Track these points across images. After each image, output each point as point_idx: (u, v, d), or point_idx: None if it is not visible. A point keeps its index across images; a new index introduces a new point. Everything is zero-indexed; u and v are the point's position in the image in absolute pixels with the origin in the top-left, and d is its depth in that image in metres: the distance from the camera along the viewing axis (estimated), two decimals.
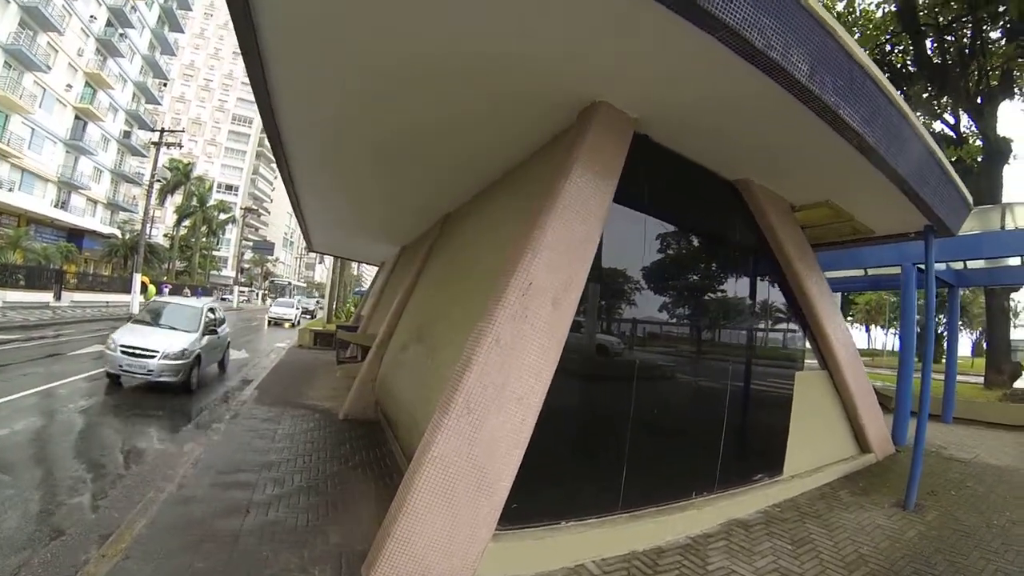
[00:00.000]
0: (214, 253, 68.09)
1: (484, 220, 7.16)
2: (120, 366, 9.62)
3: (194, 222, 59.82)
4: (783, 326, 7.31)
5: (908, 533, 5.65)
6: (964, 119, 18.80)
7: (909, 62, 18.86)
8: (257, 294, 69.47)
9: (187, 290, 47.20)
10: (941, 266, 11.91)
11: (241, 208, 67.72)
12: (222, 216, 63.73)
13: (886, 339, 55.24)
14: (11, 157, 33.70)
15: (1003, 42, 17.17)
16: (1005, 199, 15.73)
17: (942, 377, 12.92)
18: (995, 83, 16.92)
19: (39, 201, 37.63)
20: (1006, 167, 16.67)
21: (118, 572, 3.72)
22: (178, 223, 59.04)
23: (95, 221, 45.62)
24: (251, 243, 67.27)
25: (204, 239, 62.17)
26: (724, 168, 6.11)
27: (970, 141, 18.13)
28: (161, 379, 9.69)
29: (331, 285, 31.47)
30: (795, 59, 3.74)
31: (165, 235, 60.54)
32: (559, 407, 4.33)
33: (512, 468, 3.99)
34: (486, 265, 5.88)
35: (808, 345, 7.56)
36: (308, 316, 41.94)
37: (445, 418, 3.80)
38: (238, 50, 4.94)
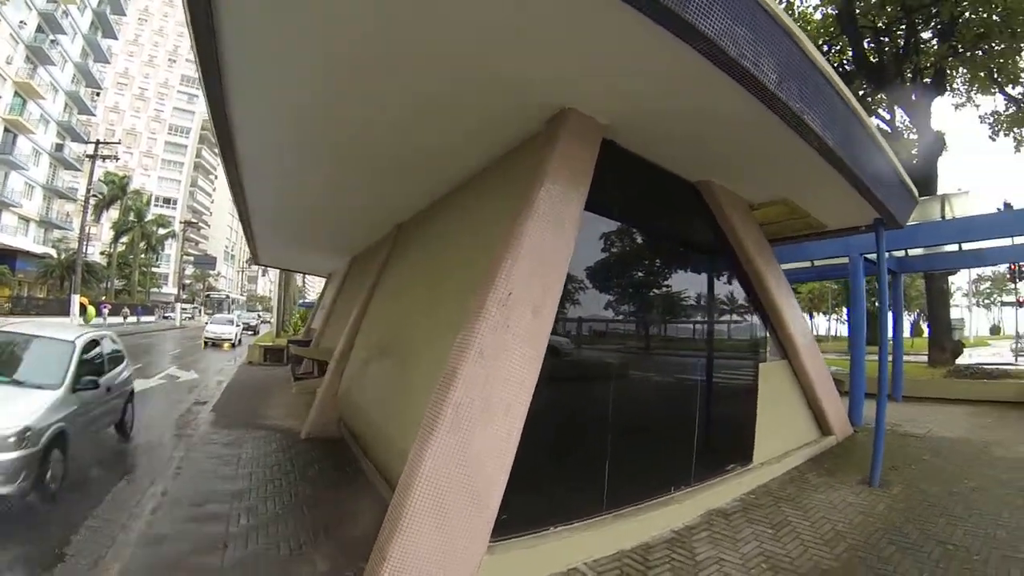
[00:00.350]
0: (154, 270, 65.52)
1: (447, 229, 7.09)
2: None
3: (132, 238, 57.29)
4: (745, 320, 7.58)
5: (878, 507, 5.95)
6: (899, 114, 19.88)
7: (846, 62, 19.81)
8: (200, 310, 66.41)
9: (126, 309, 45.34)
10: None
11: (181, 222, 65.43)
12: (161, 231, 61.19)
13: (829, 325, 57.82)
14: None
15: (934, 42, 18.29)
16: (940, 190, 16.71)
17: (890, 359, 13.61)
18: (928, 80, 17.98)
19: None
20: (940, 159, 17.74)
21: None
22: (115, 239, 56.49)
23: (28, 240, 43.45)
24: (192, 258, 65.13)
25: (143, 255, 59.64)
26: (686, 170, 6.29)
27: (905, 136, 19.20)
28: None
29: (278, 299, 30.80)
30: (765, 68, 3.92)
31: (102, 253, 57.86)
32: (537, 413, 4.33)
33: (502, 480, 3.99)
34: (456, 275, 5.86)
35: (768, 336, 7.84)
36: (250, 333, 39.55)
37: (433, 434, 3.76)
38: (173, 57, 4.75)
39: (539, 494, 4.56)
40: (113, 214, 56.61)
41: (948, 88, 19.33)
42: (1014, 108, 19.97)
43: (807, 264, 14.09)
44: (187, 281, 65.00)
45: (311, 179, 7.97)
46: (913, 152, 17.89)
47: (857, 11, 17.96)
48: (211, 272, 71.37)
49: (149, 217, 59.22)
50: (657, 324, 6.30)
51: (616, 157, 5.14)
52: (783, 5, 20.25)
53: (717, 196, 6.63)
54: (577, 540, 4.53)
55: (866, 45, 18.79)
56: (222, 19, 3.70)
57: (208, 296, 60.51)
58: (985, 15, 16.44)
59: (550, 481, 4.76)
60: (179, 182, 75.55)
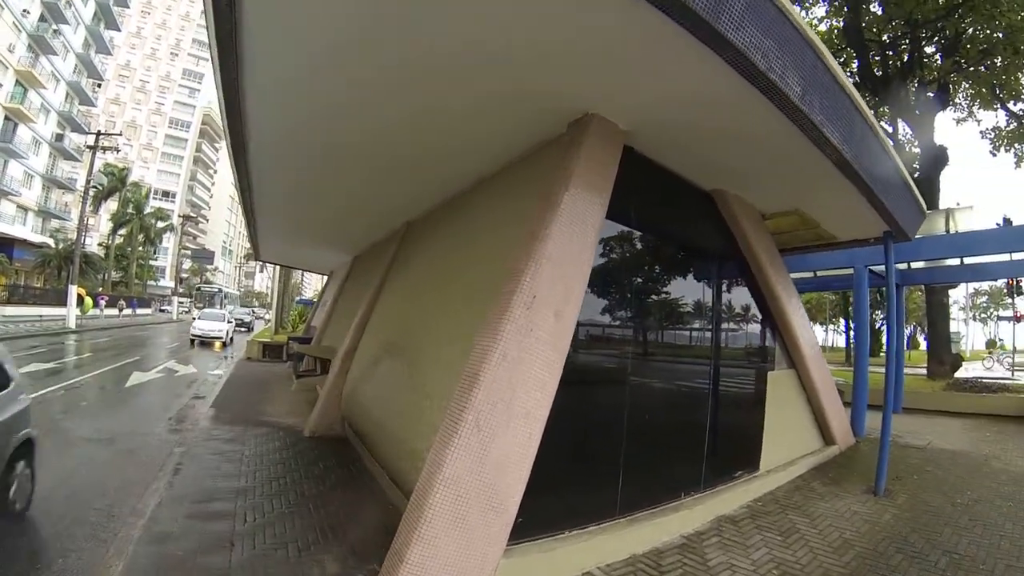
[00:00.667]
0: (152, 263, 65.39)
1: (461, 228, 7.03)
2: None
3: (131, 230, 57.30)
4: (755, 328, 7.64)
5: (884, 517, 6.01)
6: (901, 127, 20.01)
7: (850, 74, 19.94)
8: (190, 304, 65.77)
9: (122, 301, 45.22)
10: (882, 266, 12.63)
11: (179, 216, 65.29)
12: (160, 224, 61.19)
13: (826, 335, 57.99)
14: None
15: (937, 57, 18.45)
16: (942, 203, 16.85)
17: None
18: (931, 94, 18.12)
19: None
20: (942, 173, 17.89)
21: None
22: (114, 231, 56.43)
23: (26, 229, 43.34)
24: (190, 252, 64.96)
25: (141, 248, 59.62)
26: (702, 179, 6.34)
27: (907, 149, 19.33)
28: None
29: (278, 295, 30.72)
30: (790, 81, 3.96)
31: (100, 244, 57.74)
32: (553, 417, 4.32)
33: (521, 483, 3.99)
34: (472, 275, 5.83)
35: (776, 345, 7.89)
36: (244, 330, 38.46)
37: (454, 437, 3.73)
38: (175, 51, 4.62)
39: (554, 497, 4.56)
40: (112, 206, 56.58)
41: (951, 103, 19.47)
42: (1015, 124, 20.13)
43: (810, 274, 14.14)
44: (184, 275, 64.75)
45: (321, 175, 7.89)
46: (915, 165, 18.01)
47: (863, 24, 18.09)
48: (209, 267, 71.05)
49: (148, 210, 59.17)
50: (669, 331, 6.32)
51: (635, 163, 5.14)
52: None
53: (731, 205, 6.68)
54: (591, 544, 4.55)
55: (871, 58, 18.92)
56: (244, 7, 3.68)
57: (199, 289, 55.84)
58: (988, 31, 16.60)
59: (565, 485, 4.76)
60: (178, 176, 75.51)
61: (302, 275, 46.88)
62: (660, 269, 6.13)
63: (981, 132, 21.40)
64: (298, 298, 42.49)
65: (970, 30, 17.08)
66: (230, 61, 4.28)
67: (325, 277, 29.45)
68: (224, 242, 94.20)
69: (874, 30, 18.57)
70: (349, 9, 3.63)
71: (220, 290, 53.50)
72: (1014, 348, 26.21)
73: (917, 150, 18.86)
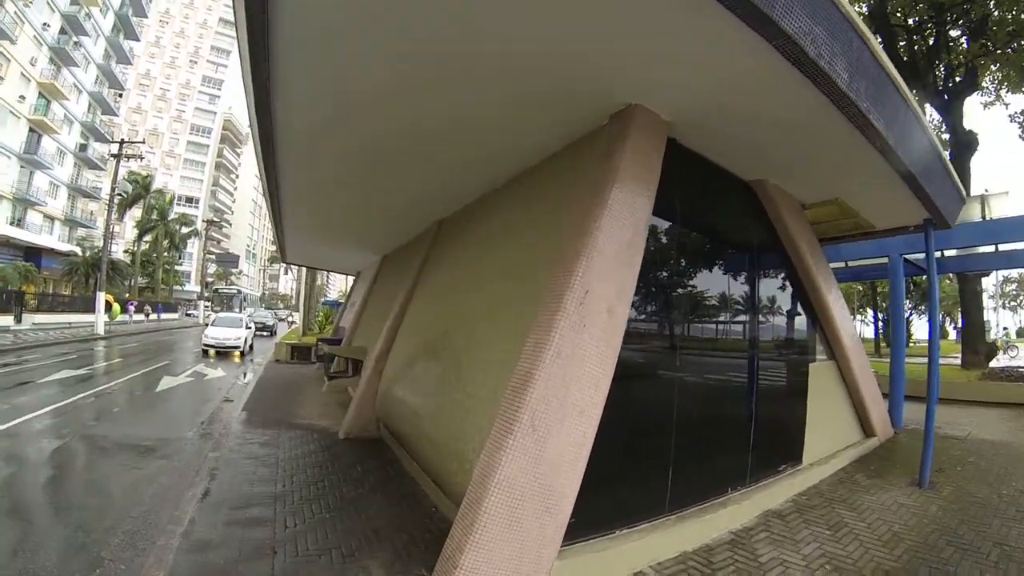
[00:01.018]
0: (177, 268, 66.36)
1: (498, 228, 6.91)
2: None
3: (156, 236, 58.21)
4: (796, 320, 7.53)
5: (930, 509, 5.94)
6: (929, 112, 19.62)
7: None
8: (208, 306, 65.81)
9: (147, 307, 45.89)
10: (919, 255, 12.41)
11: (203, 221, 66.21)
12: (184, 229, 62.13)
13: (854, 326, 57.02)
14: None
15: (963, 41, 18.05)
16: (973, 189, 16.48)
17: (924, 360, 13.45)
18: (959, 79, 17.75)
19: None
20: (972, 158, 17.52)
21: None
22: (139, 238, 57.39)
23: (53, 238, 44.09)
24: (214, 256, 65.78)
25: (166, 254, 60.51)
26: (743, 169, 6.24)
27: (936, 135, 18.94)
28: None
29: (304, 297, 31.02)
30: (838, 67, 3.89)
31: (126, 251, 58.81)
32: (605, 412, 4.27)
33: (575, 483, 3.94)
34: (513, 274, 5.74)
35: (817, 336, 7.80)
36: (266, 334, 37.16)
37: (508, 438, 3.69)
38: (194, 58, 4.50)
39: (605, 496, 4.51)
40: (136, 213, 57.48)
41: (979, 87, 19.05)
42: None
43: (841, 265, 13.92)
44: (210, 279, 65.59)
45: (352, 175, 7.84)
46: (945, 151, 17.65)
47: (888, 8, 17.76)
48: (233, 270, 71.85)
49: (172, 216, 60.08)
50: (710, 324, 6.26)
51: (676, 155, 5.06)
52: None
53: (772, 196, 6.59)
54: (642, 543, 4.51)
55: (897, 43, 18.57)
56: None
57: (216, 291, 52.59)
58: (1016, 12, 16.20)
59: (615, 482, 4.72)
60: (201, 181, 76.58)
61: (327, 276, 46.90)
62: (702, 262, 6.05)
63: (1010, 116, 20.89)
64: (323, 299, 42.68)
65: (996, 12, 16.69)
66: (261, 59, 4.24)
67: (349, 278, 29.58)
68: (248, 246, 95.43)
69: (899, 14, 18.23)
70: (388, 4, 3.59)
71: (239, 292, 51.08)
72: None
73: (946, 135, 18.48)
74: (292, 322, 46.23)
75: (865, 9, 18.42)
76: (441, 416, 6.10)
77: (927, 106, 19.25)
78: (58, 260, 43.75)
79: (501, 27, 3.69)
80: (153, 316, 45.79)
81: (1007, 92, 19.99)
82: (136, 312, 42.21)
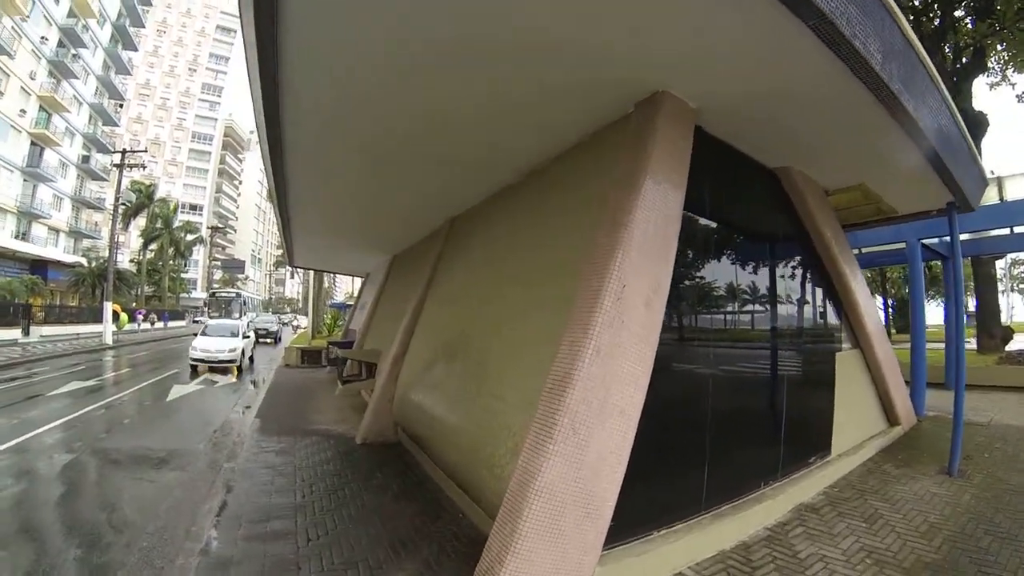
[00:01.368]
0: (183, 275, 66.54)
1: (518, 223, 6.67)
2: None
3: (161, 245, 58.38)
4: (822, 308, 7.42)
5: (964, 497, 5.86)
6: None
7: None
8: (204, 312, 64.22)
9: (153, 315, 45.75)
10: (935, 239, 12.31)
11: (208, 228, 66.37)
12: (189, 237, 62.29)
13: None
14: None
15: (967, 21, 17.87)
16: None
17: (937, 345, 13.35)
18: (966, 60, 17.56)
19: None
20: (982, 140, 17.32)
21: None
22: (144, 247, 57.47)
23: (58, 250, 44.25)
24: (220, 262, 65.91)
25: (172, 262, 60.70)
26: (767, 157, 6.13)
27: None
28: None
29: (312, 300, 31.01)
30: (872, 48, 3.79)
31: (131, 260, 58.89)
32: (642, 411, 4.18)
33: (616, 487, 3.83)
34: (538, 271, 5.59)
35: (842, 325, 7.69)
36: (269, 342, 33.77)
37: (547, 443, 3.55)
38: (193, 66, 4.22)
39: (641, 497, 4.38)
40: (141, 222, 57.59)
41: (986, 67, 18.86)
42: None
43: (855, 252, 13.78)
44: (216, 285, 65.53)
45: (362, 174, 7.68)
46: None
47: None
48: (239, 276, 71.77)
49: (176, 224, 60.20)
50: (739, 315, 6.12)
51: (703, 143, 4.90)
52: None
53: (797, 183, 6.47)
54: (680, 543, 4.40)
55: None
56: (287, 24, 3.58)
57: (213, 295, 45.76)
58: None
59: (651, 482, 4.58)
60: (204, 189, 76.90)
61: (333, 279, 46.43)
62: (730, 252, 5.90)
63: (1018, 96, 20.68)
64: (329, 302, 42.36)
65: None
66: (269, 52, 4.10)
67: (356, 280, 29.45)
68: (253, 251, 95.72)
69: None
70: None
71: (238, 295, 44.25)
72: None
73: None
74: (297, 326, 45.62)
75: None
76: (467, 420, 5.94)
77: None
78: (64, 272, 43.85)
79: (525, 8, 3.55)
80: (159, 324, 45.70)
81: (1013, 72, 19.81)
82: (143, 320, 42.24)
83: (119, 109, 55.11)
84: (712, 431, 5.04)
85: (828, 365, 7.04)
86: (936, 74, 4.99)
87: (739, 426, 5.62)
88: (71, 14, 41.68)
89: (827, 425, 6.72)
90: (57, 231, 44.57)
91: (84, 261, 45.68)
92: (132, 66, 56.39)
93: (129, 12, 51.54)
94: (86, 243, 49.40)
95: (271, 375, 17.77)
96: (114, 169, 34.32)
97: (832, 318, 7.55)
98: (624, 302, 3.87)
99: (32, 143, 39.23)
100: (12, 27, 34.58)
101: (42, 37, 38.60)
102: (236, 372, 17.70)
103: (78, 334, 32.59)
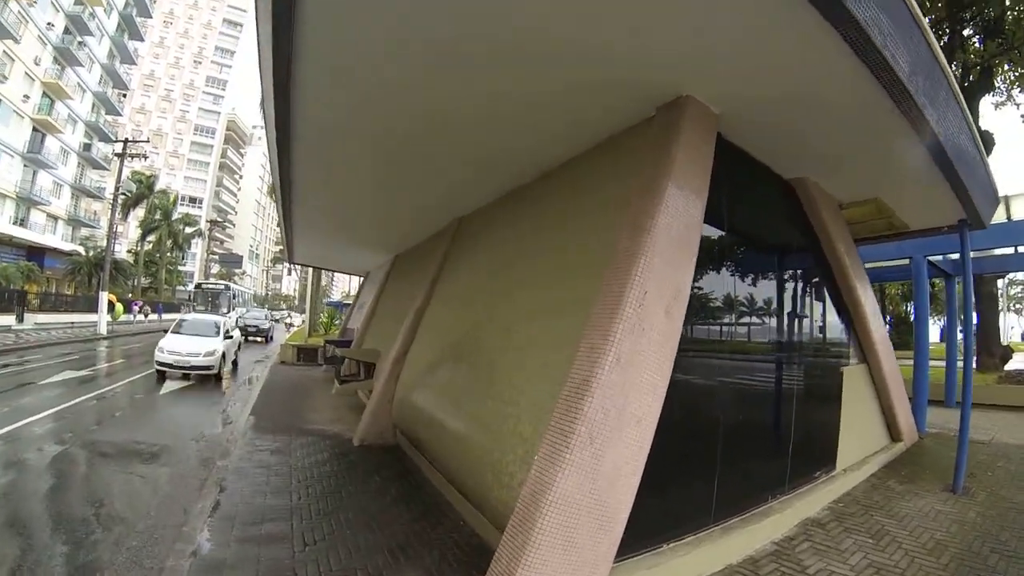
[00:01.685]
0: (180, 268, 66.36)
1: (531, 225, 6.53)
2: None
3: (159, 236, 58.17)
4: (832, 322, 7.38)
5: (969, 515, 5.82)
6: None
7: None
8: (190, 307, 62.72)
9: (147, 307, 45.35)
10: (938, 257, 12.32)
11: (207, 221, 66.23)
12: (188, 230, 62.07)
13: None
14: None
15: (975, 40, 17.95)
16: None
17: (940, 363, 13.34)
18: (973, 79, 17.62)
19: None
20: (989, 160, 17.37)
21: None
22: (143, 238, 57.35)
23: (56, 238, 44.08)
24: (217, 256, 65.77)
25: (170, 254, 60.46)
26: (784, 167, 6.08)
27: None
28: None
29: (310, 298, 30.84)
30: (900, 60, 3.75)
31: (129, 251, 58.81)
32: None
33: (631, 498, 3.73)
34: (553, 274, 5.48)
35: (849, 339, 7.66)
36: (260, 340, 31.26)
37: (565, 452, 3.44)
38: (198, 59, 4.14)
39: (653, 508, 4.28)
40: (140, 213, 57.46)
41: (993, 87, 18.95)
42: None
43: None
44: (213, 279, 65.40)
45: (369, 171, 7.58)
46: None
47: None
48: (236, 270, 71.58)
49: (175, 216, 59.99)
50: (755, 328, 6.05)
51: (722, 150, 4.80)
52: None
53: (812, 194, 6.42)
54: (690, 557, 4.32)
55: None
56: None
57: (198, 287, 42.29)
58: None
59: (662, 494, 4.50)
60: (204, 182, 76.85)
61: (331, 277, 45.88)
62: (743, 263, 5.84)
63: (1022, 116, 20.77)
64: (326, 300, 41.82)
65: (1011, 13, 16.58)
66: (284, 39, 3.96)
67: (352, 279, 29.28)
68: (251, 246, 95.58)
69: None
70: None
71: (227, 287, 41.21)
72: None
73: None
74: (290, 323, 44.79)
75: None
76: (473, 425, 5.82)
77: None
78: (61, 260, 43.70)
79: (546, 8, 3.48)
80: (154, 316, 45.40)
81: (1019, 92, 19.89)
82: (139, 312, 41.96)
83: (123, 99, 55.08)
84: (723, 443, 4.97)
85: (836, 379, 6.99)
86: (958, 90, 4.96)
87: (749, 438, 5.57)
88: (78, 1, 41.63)
89: (833, 440, 6.66)
90: (56, 218, 44.40)
91: (82, 250, 45.54)
92: (137, 56, 56.42)
93: (136, 2, 51.53)
94: (84, 232, 49.25)
95: (266, 372, 17.61)
96: (115, 158, 34.31)
97: (841, 332, 7.51)
98: (645, 309, 3.79)
99: (34, 129, 39.12)
100: (19, 11, 34.47)
101: (48, 23, 38.52)
102: (216, 379, 14.80)
103: (73, 323, 32.46)
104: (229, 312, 34.71)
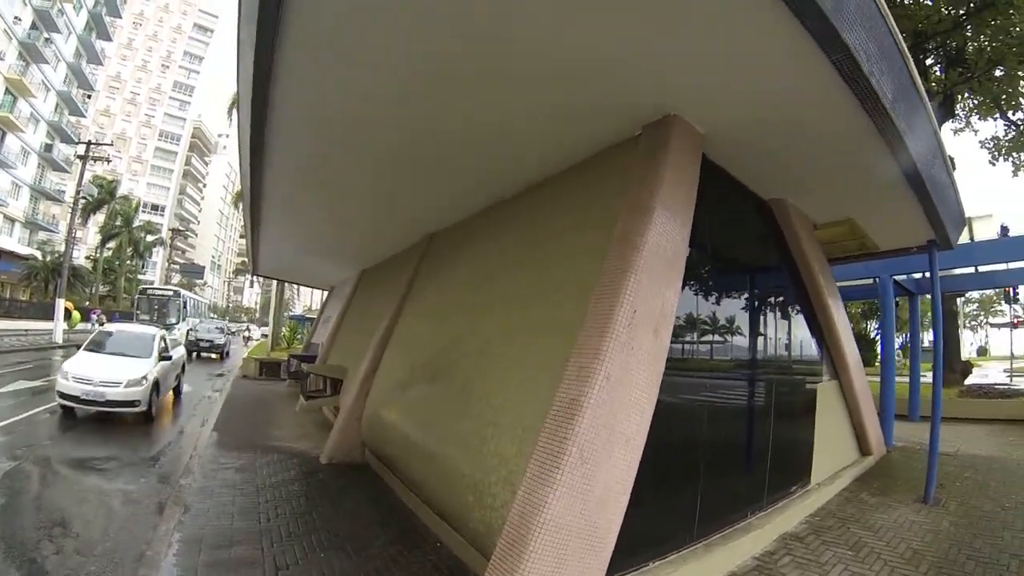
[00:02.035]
0: (140, 277, 64.38)
1: (511, 242, 6.47)
2: None
3: (119, 243, 56.32)
4: (806, 340, 7.53)
5: (942, 524, 6.02)
6: None
7: None
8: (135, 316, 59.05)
9: (103, 316, 43.75)
10: (902, 276, 12.73)
11: (169, 229, 64.67)
12: (149, 238, 60.29)
13: None
14: None
15: (936, 69, 18.67)
16: None
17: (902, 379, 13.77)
18: (936, 106, 18.31)
19: None
20: None
21: None
22: (102, 244, 55.53)
23: (12, 241, 42.55)
24: (179, 266, 64.20)
25: (130, 262, 58.60)
26: (763, 187, 6.21)
27: None
28: None
29: (274, 310, 30.00)
30: (885, 87, 3.87)
31: (88, 257, 56.82)
32: None
33: (620, 518, 3.70)
34: (537, 293, 5.40)
35: (823, 356, 7.83)
36: (214, 357, 27.75)
37: (555, 472, 3.38)
38: (166, 63, 4.02)
39: (639, 527, 4.23)
40: (100, 218, 55.70)
41: (954, 114, 19.71)
42: (1014, 132, 20.34)
43: None
44: (173, 287, 63.80)
45: (344, 184, 7.54)
46: None
47: None
48: (198, 281, 69.72)
49: (137, 223, 58.28)
50: (732, 346, 6.10)
51: (704, 170, 4.82)
52: None
53: (789, 215, 6.58)
54: (676, 575, 4.30)
55: None
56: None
57: (144, 293, 35.27)
58: (996, 44, 16.77)
59: (645, 512, 4.43)
60: (168, 189, 74.96)
61: (296, 291, 44.85)
62: (722, 282, 5.92)
63: (980, 142, 21.59)
64: (287, 313, 40.63)
65: (973, 44, 17.27)
66: (266, 48, 3.93)
67: (315, 292, 28.70)
68: (213, 257, 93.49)
69: None
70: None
71: (177, 294, 35.11)
72: (1012, 354, 26.31)
73: None
74: (249, 337, 43.21)
75: None
76: (449, 444, 5.64)
77: None
78: (17, 264, 42.14)
79: (532, 29, 3.52)
80: (109, 326, 43.64)
81: (978, 119, 20.73)
82: (96, 321, 40.50)
83: (87, 100, 53.55)
84: (704, 460, 5.01)
85: (810, 395, 7.16)
86: (933, 117, 5.14)
87: (728, 455, 5.65)
88: None
89: (808, 455, 6.78)
90: (13, 220, 42.83)
91: (39, 254, 43.97)
92: (104, 57, 54.96)
93: (107, 1, 50.36)
94: (42, 236, 47.50)
95: (228, 386, 17.03)
96: (77, 161, 33.16)
97: (813, 349, 7.67)
98: (635, 328, 3.78)
99: None
100: None
101: (16, 17, 37.40)
102: (147, 416, 10.28)
103: (27, 330, 31.13)
104: (179, 323, 31.17)
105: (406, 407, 7.39)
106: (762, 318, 6.49)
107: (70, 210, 31.60)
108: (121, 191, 58.67)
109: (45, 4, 40.05)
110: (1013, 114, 19.84)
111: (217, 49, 78.40)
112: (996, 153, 21.07)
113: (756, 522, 5.44)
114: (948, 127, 20.67)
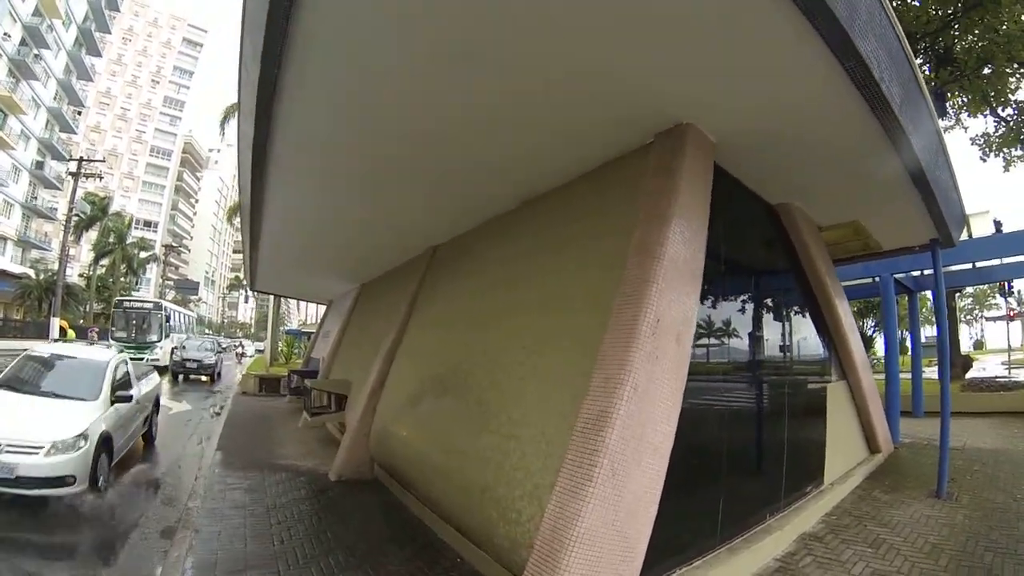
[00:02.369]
0: (134, 293, 63.96)
1: (519, 252, 6.39)
2: None
3: (113, 261, 55.75)
4: (816, 341, 7.62)
5: (957, 518, 6.08)
6: None
7: None
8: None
9: (94, 334, 43.40)
10: (902, 274, 12.84)
11: (162, 246, 64.36)
12: (142, 254, 59.88)
13: None
14: None
15: (925, 68, 18.85)
16: None
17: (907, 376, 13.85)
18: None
19: None
20: None
21: None
22: (95, 262, 55.01)
23: (5, 260, 42.09)
24: (173, 282, 63.83)
25: (124, 279, 58.10)
26: (770, 192, 6.28)
27: None
28: None
29: (271, 326, 29.84)
30: (894, 92, 3.94)
31: (81, 275, 56.31)
32: None
33: (649, 526, 3.70)
34: (552, 303, 5.30)
35: (831, 356, 7.89)
36: (204, 379, 23.89)
37: (587, 485, 3.38)
38: (156, 78, 3.78)
39: (666, 534, 4.20)
40: (93, 235, 55.27)
41: (946, 113, 19.88)
42: (1004, 129, 20.53)
43: None
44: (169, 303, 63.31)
45: (347, 197, 7.48)
46: None
47: None
48: (193, 297, 69.16)
49: (130, 239, 57.87)
50: (748, 349, 6.09)
51: (716, 177, 4.82)
52: None
53: (795, 219, 6.65)
54: None
55: None
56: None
57: (120, 305, 30.45)
58: (985, 43, 16.95)
59: (671, 518, 4.37)
60: (160, 205, 74.58)
61: (296, 306, 44.46)
62: (735, 287, 5.98)
63: (971, 139, 21.76)
64: (283, 328, 40.33)
65: (961, 43, 17.45)
66: (273, 56, 3.82)
67: (310, 307, 28.45)
68: (207, 272, 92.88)
69: None
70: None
71: (158, 306, 30.21)
72: (1009, 347, 26.50)
73: None
74: (243, 354, 42.50)
75: None
76: (468, 459, 5.49)
77: None
78: (10, 283, 41.65)
79: (547, 40, 3.52)
80: (102, 344, 43.39)
81: (968, 116, 20.92)
82: (88, 341, 40.13)
83: (78, 116, 53.32)
84: (726, 464, 5.05)
85: (821, 396, 7.23)
86: (937, 119, 5.23)
87: (748, 458, 5.68)
88: (36, 12, 40.32)
89: (820, 455, 6.83)
90: (5, 239, 42.48)
91: (32, 273, 43.50)
92: (94, 72, 54.78)
93: (96, 16, 50.27)
94: (35, 254, 47.15)
95: (229, 403, 16.76)
96: (69, 178, 33.01)
97: (822, 350, 7.74)
98: (659, 336, 3.80)
99: None
100: None
101: (5, 34, 37.17)
102: (99, 486, 6.68)
103: (23, 350, 30.78)
104: (161, 340, 27.03)
105: (417, 422, 7.29)
106: (772, 321, 6.55)
107: (63, 228, 31.37)
108: (113, 208, 58.19)
109: (34, 20, 39.92)
110: (1003, 110, 20.06)
111: (207, 64, 78.38)
112: (987, 149, 21.25)
113: (775, 523, 5.46)
114: (939, 125, 20.81)
